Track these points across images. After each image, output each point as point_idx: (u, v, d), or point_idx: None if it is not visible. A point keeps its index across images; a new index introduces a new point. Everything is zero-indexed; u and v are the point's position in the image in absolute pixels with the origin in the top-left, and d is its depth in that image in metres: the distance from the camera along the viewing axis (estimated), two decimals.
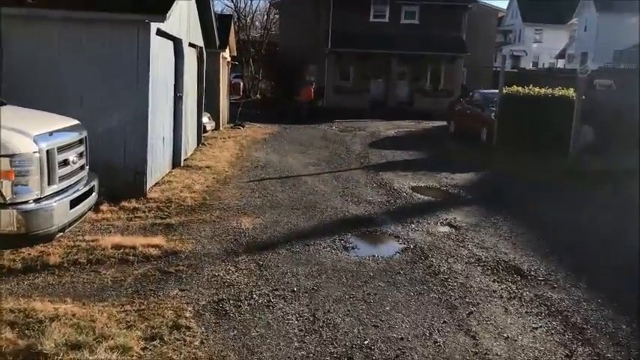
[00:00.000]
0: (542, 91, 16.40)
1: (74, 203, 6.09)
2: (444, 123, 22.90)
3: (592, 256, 7.10)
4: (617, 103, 16.04)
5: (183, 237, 7.14)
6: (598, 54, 43.83)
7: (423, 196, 10.27)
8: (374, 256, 6.68)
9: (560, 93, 15.98)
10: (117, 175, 8.84)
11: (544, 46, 59.04)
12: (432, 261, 6.55)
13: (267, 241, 7.18)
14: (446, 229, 8.10)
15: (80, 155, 6.58)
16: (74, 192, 6.21)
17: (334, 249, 6.89)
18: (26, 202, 5.26)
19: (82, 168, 6.64)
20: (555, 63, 56.17)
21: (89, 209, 6.79)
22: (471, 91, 24.68)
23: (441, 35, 31.22)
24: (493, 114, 17.17)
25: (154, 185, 9.77)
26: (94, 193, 6.89)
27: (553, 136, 15.11)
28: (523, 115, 15.96)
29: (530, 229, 8.18)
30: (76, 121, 6.70)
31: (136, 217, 8.05)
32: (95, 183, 6.91)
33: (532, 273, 6.27)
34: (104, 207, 8.19)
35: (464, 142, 18.17)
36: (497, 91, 17.97)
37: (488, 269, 6.35)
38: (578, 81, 12.85)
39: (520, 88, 16.77)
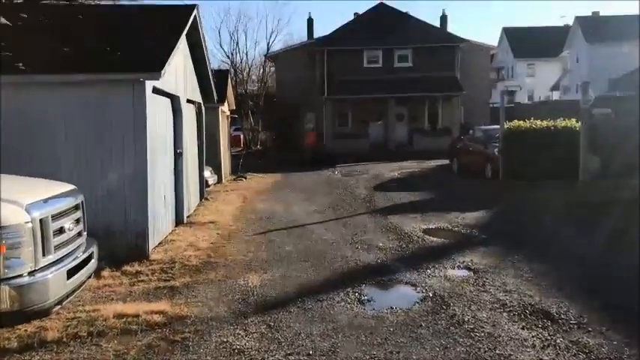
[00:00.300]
0: (545, 123, 16.25)
1: (72, 273, 5.75)
2: (446, 161, 22.70)
3: (623, 293, 6.69)
4: (620, 131, 15.88)
5: (189, 300, 6.77)
6: (593, 84, 44.06)
7: (435, 239, 9.91)
8: (392, 308, 6.27)
9: (563, 124, 15.83)
10: (118, 238, 8.58)
11: (537, 79, 59.60)
12: (454, 310, 6.14)
13: (277, 298, 6.80)
14: (464, 272, 7.71)
15: (77, 221, 6.29)
16: (71, 261, 5.89)
17: (349, 303, 6.50)
18: (19, 276, 4.93)
19: (79, 234, 6.34)
20: (550, 95, 56.52)
21: (89, 277, 6.45)
22: (470, 129, 24.61)
23: (436, 75, 31.47)
24: (496, 150, 16.97)
25: (157, 245, 9.44)
26: (93, 260, 6.56)
27: (559, 167, 14.89)
28: (527, 149, 15.78)
29: (553, 267, 7.79)
30: (71, 186, 6.44)
31: (138, 281, 7.69)
32: (94, 249, 6.59)
33: (562, 317, 5.86)
34: (105, 272, 7.86)
35: (469, 179, 17.91)
36: (498, 126, 17.84)
37: (515, 315, 5.94)
38: (582, 111, 12.66)
39: (522, 123, 16.63)
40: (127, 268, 8.14)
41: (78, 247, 6.24)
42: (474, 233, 10.32)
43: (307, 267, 8.15)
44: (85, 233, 6.56)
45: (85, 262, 6.26)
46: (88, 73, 8.51)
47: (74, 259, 5.98)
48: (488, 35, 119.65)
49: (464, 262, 8.22)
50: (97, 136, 8.55)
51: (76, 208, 6.32)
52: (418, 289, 7.01)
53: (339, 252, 9.01)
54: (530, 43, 58.05)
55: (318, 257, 8.69)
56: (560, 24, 58.92)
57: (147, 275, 7.90)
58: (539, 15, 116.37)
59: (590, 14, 49.67)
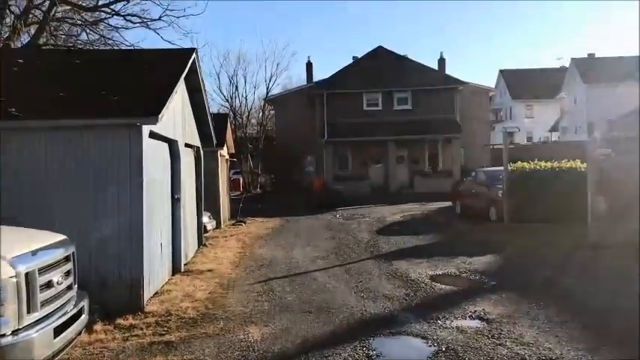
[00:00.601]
0: (549, 164, 16.02)
1: (59, 330, 5.38)
2: (448, 204, 22.40)
3: None
4: (622, 172, 15.63)
5: (185, 357, 6.34)
6: (591, 125, 44.24)
7: (443, 286, 9.49)
8: None
9: (568, 165, 15.60)
10: (111, 289, 8.19)
11: (536, 120, 60.01)
12: None
13: (280, 354, 6.37)
14: (477, 323, 7.29)
15: (67, 274, 5.95)
16: (60, 317, 5.52)
17: (356, 359, 6.07)
18: (1, 336, 4.57)
19: (69, 288, 5.98)
20: (549, 136, 56.75)
21: (78, 334, 6.05)
22: (470, 170, 24.43)
23: (435, 118, 31.53)
24: (500, 192, 16.69)
25: (153, 296, 9.03)
26: (83, 315, 6.17)
27: (565, 208, 14.59)
28: (532, 191, 15.53)
29: (571, 316, 7.37)
30: (62, 236, 6.12)
31: (132, 335, 7.27)
32: (85, 303, 6.22)
33: None
34: (98, 326, 7.44)
35: (472, 222, 17.55)
36: (500, 168, 17.61)
37: None
38: (589, 152, 12.41)
39: (526, 164, 16.41)
40: (121, 321, 7.73)
41: (67, 301, 5.88)
42: (484, 280, 9.92)
43: (311, 319, 7.72)
44: (76, 286, 6.20)
45: (75, 317, 5.89)
46: (83, 118, 8.28)
47: (63, 315, 5.61)
48: (484, 77, 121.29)
49: (475, 311, 7.81)
50: (91, 183, 8.25)
51: (67, 259, 5.99)
52: (430, 342, 6.59)
53: (343, 301, 8.59)
54: (528, 84, 58.68)
55: (322, 308, 8.27)
56: (557, 66, 59.62)
57: (141, 329, 7.48)
58: (535, 57, 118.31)
59: (586, 56, 50.26)
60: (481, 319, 7.46)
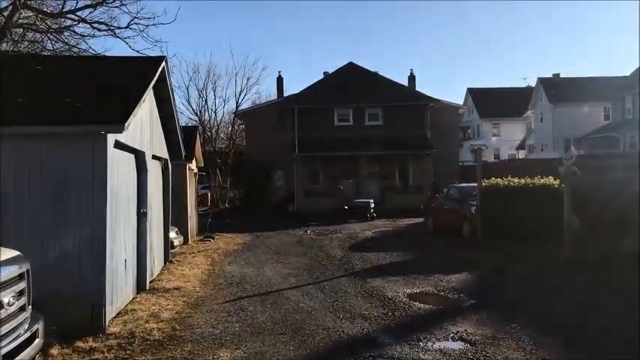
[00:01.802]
0: (522, 181, 15.97)
1: (10, 356, 4.87)
2: (419, 220, 22.23)
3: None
4: (590, 189, 15.71)
5: None
6: (557, 143, 45.03)
7: (422, 305, 9.16)
8: None
9: (542, 182, 15.57)
10: (71, 309, 7.62)
11: (503, 138, 60.76)
12: None
13: None
14: (460, 345, 6.97)
15: (20, 294, 5.43)
16: (10, 341, 5.01)
17: None
18: None
19: (22, 309, 5.47)
20: (516, 154, 57.54)
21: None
22: (440, 186, 24.39)
23: (406, 134, 31.50)
24: (473, 208, 16.56)
25: (115, 316, 8.46)
26: (37, 339, 5.65)
27: (538, 225, 14.52)
28: (506, 207, 15.41)
29: (556, 336, 7.11)
30: (15, 252, 5.60)
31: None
32: (39, 326, 5.70)
33: None
34: (54, 350, 6.88)
35: (446, 239, 17.35)
36: (473, 184, 17.53)
37: None
38: (565, 168, 12.33)
39: (499, 180, 16.32)
40: (80, 344, 7.17)
41: (20, 323, 5.37)
42: (463, 298, 9.63)
43: (285, 341, 7.28)
44: (30, 307, 5.69)
45: (29, 341, 5.39)
46: (42, 125, 7.74)
47: (14, 339, 5.11)
48: (453, 95, 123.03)
49: (457, 332, 7.49)
50: (51, 195, 7.71)
51: (20, 277, 5.48)
52: None
53: (319, 322, 8.18)
54: (495, 103, 59.50)
55: (296, 329, 7.84)
56: (523, 85, 60.70)
57: (102, 352, 6.94)
58: (502, 76, 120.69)
59: (552, 76, 51.29)
60: (464, 340, 7.14)
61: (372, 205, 26.66)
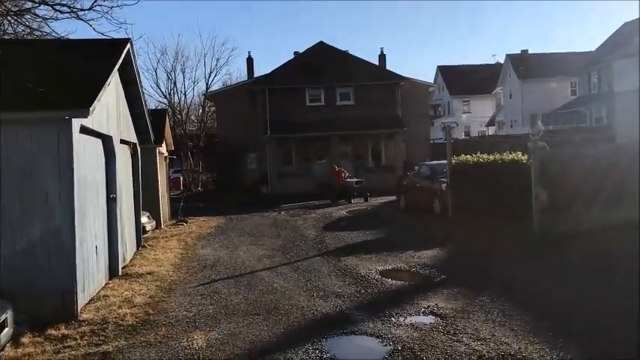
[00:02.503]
0: (492, 157, 16.16)
1: None
2: (393, 198, 22.41)
3: (602, 332, 6.23)
4: (559, 164, 16.02)
5: None
6: (525, 119, 45.67)
7: (394, 281, 9.30)
8: None
9: (510, 157, 15.77)
10: (42, 298, 7.57)
11: (473, 115, 61.33)
12: None
13: None
14: (431, 319, 7.10)
15: None
16: None
17: None
18: None
19: None
20: (486, 131, 58.20)
21: (1, 349, 5.46)
22: (413, 165, 24.58)
23: (378, 113, 31.55)
24: (444, 185, 16.74)
25: (88, 303, 8.40)
26: (7, 328, 5.60)
27: (508, 199, 14.72)
28: (476, 183, 15.58)
29: (523, 309, 7.29)
30: None
31: (65, 347, 6.69)
32: (8, 315, 5.66)
33: None
34: (26, 339, 6.83)
35: (418, 216, 17.55)
36: (444, 161, 17.69)
37: None
38: (532, 143, 12.53)
39: (469, 157, 16.49)
40: (52, 331, 7.12)
41: None
42: (433, 273, 9.79)
43: (259, 321, 7.33)
44: None
45: None
46: (5, 111, 7.54)
47: None
48: (423, 74, 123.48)
49: (429, 306, 7.63)
50: (16, 182, 7.57)
51: None
52: (385, 341, 6.34)
53: (293, 301, 8.25)
54: (465, 80, 59.87)
55: (270, 309, 7.89)
56: (493, 62, 61.14)
57: (75, 339, 6.90)
58: (471, 53, 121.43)
59: (520, 52, 51.76)
60: (435, 314, 7.29)
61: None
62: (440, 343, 6.12)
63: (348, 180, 25.91)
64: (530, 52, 51.55)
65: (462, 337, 6.30)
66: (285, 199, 25.72)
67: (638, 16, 37.10)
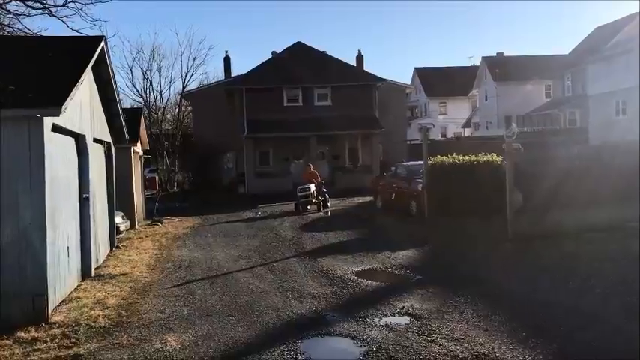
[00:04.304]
0: (467, 158, 16.31)
1: None
2: (369, 199, 22.47)
3: (574, 332, 6.33)
4: (534, 166, 16.24)
5: None
6: (501, 120, 46.24)
7: (370, 282, 9.32)
8: None
9: (486, 159, 15.94)
10: (10, 299, 7.43)
11: (449, 117, 61.87)
12: None
13: None
14: (406, 319, 7.13)
15: None
16: None
17: None
18: None
19: None
20: (462, 132, 58.77)
21: None
22: (390, 165, 24.67)
23: (355, 114, 31.62)
24: (420, 186, 16.84)
25: (59, 305, 8.25)
26: None
27: (483, 201, 14.86)
28: (452, 184, 15.69)
29: (497, 309, 7.36)
30: None
31: (35, 350, 6.55)
32: None
33: None
34: None
35: (394, 216, 17.63)
36: (420, 162, 17.78)
37: None
38: (507, 145, 12.68)
39: (445, 158, 16.61)
40: (22, 334, 6.97)
41: None
42: (409, 274, 9.84)
43: (234, 323, 7.28)
44: None
45: None
46: None
47: None
48: (400, 75, 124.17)
49: (404, 307, 7.66)
50: None
51: None
52: (359, 342, 6.35)
53: (269, 302, 8.21)
54: (442, 82, 60.42)
55: (245, 310, 7.84)
56: (468, 64, 61.79)
57: (45, 342, 6.76)
58: (448, 56, 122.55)
59: (496, 55, 52.40)
60: (410, 315, 7.32)
61: (311, 191, 20.76)
62: (414, 344, 6.14)
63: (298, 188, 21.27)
64: (505, 54, 52.23)
65: (437, 337, 6.34)
66: (262, 199, 25.60)
67: (618, 18, 37.89)
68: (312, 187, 21.07)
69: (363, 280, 9.40)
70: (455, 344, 6.07)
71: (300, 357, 5.94)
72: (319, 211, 20.24)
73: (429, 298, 8.10)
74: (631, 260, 9.16)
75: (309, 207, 20.82)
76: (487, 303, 7.64)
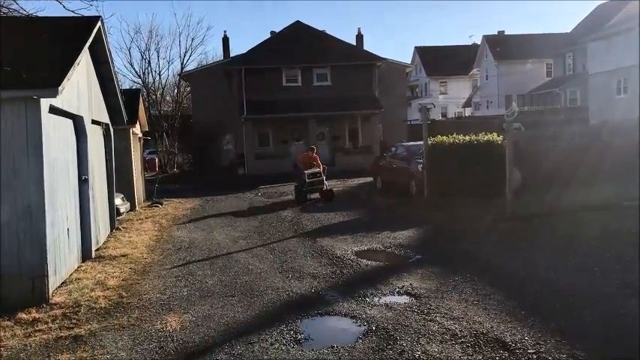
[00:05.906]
0: (467, 138, 16.25)
1: None
2: (369, 179, 22.45)
3: (571, 310, 6.35)
4: (534, 145, 16.19)
5: (96, 352, 5.78)
6: (501, 100, 46.03)
7: (369, 262, 9.34)
8: (333, 347, 5.58)
9: (486, 138, 15.88)
10: (11, 281, 7.45)
11: (450, 96, 61.55)
12: (402, 345, 5.53)
13: (201, 344, 5.93)
14: (405, 299, 7.16)
15: None
16: None
17: (284, 344, 5.75)
18: None
19: None
20: (463, 112, 58.54)
21: None
22: (390, 146, 24.59)
23: (355, 94, 31.46)
24: (420, 166, 16.80)
25: (59, 286, 8.28)
26: None
27: (483, 181, 14.84)
28: (452, 164, 15.65)
29: (496, 288, 7.38)
30: None
31: (36, 331, 6.58)
32: None
33: (518, 345, 5.39)
34: None
35: (394, 197, 17.61)
36: (420, 142, 17.72)
37: (468, 347, 5.42)
38: (507, 124, 12.63)
39: (445, 138, 16.55)
40: (23, 315, 7.01)
41: None
42: (409, 254, 9.86)
43: (234, 303, 7.31)
44: None
45: None
46: None
47: None
48: (400, 54, 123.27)
49: (403, 286, 7.68)
50: None
51: None
52: (359, 321, 6.37)
53: (268, 283, 8.24)
54: (442, 61, 59.99)
55: (245, 291, 7.87)
56: (469, 43, 61.33)
57: (46, 323, 6.80)
58: (448, 35, 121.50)
59: (497, 33, 51.99)
60: (409, 294, 7.34)
61: (323, 177, 18.79)
62: (413, 323, 6.16)
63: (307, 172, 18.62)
64: (506, 33, 51.81)
65: (436, 316, 6.36)
66: (261, 180, 25.59)
67: None
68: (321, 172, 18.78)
69: (362, 260, 9.42)
70: (453, 323, 6.10)
71: (299, 336, 5.96)
72: (327, 201, 17.92)
73: (429, 277, 8.12)
74: (629, 239, 9.17)
75: (313, 196, 18.70)
76: (487, 282, 7.66)
